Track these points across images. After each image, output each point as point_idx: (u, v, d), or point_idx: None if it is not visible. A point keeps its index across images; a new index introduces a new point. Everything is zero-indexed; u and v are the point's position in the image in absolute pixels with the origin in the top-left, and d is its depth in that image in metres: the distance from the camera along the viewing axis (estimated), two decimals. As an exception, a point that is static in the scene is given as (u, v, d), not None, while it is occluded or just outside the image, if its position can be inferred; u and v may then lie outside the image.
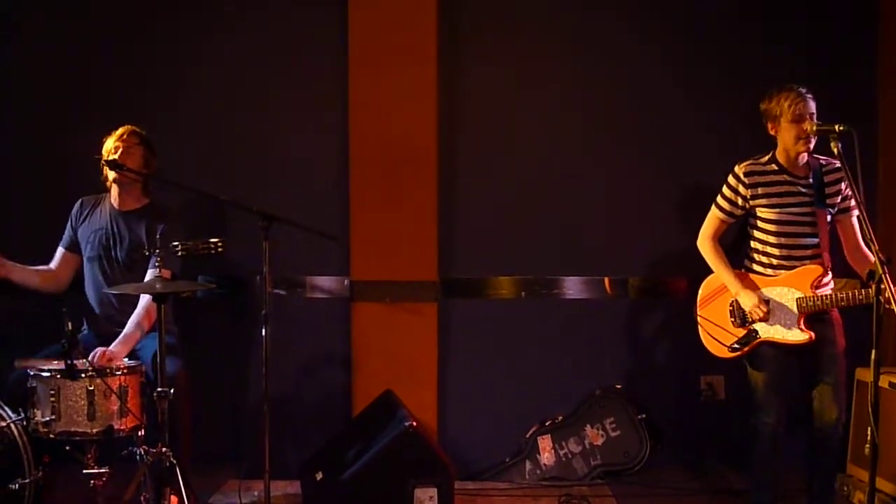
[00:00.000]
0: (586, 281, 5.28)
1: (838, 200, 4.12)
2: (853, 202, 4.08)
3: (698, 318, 4.38)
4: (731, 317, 4.26)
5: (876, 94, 5.27)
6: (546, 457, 5.18)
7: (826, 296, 4.01)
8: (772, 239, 4.16)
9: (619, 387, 5.24)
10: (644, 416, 5.17)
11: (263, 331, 4.23)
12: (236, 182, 5.08)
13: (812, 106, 4.05)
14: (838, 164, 3.89)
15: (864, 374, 4.65)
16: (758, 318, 4.11)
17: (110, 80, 5.20)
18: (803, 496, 4.31)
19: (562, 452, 5.18)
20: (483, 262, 5.29)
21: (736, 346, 4.20)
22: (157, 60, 5.23)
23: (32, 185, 5.20)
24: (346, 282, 5.18)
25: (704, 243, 4.34)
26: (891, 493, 4.48)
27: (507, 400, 5.27)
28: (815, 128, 3.95)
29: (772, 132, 4.15)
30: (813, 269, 4.07)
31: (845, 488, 4.72)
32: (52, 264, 4.67)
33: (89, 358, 3.98)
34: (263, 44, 5.23)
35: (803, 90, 4.06)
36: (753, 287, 4.18)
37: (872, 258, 3.91)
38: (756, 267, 4.24)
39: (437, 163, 5.14)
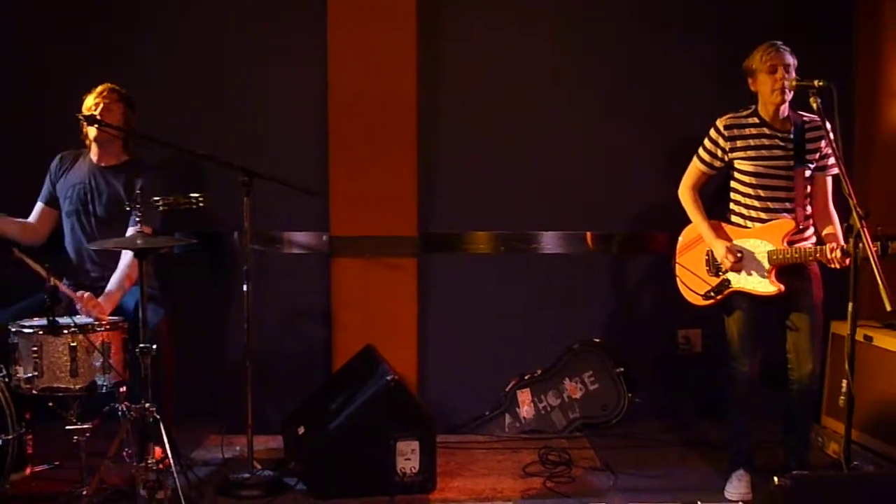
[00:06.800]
0: (563, 236, 5.31)
1: (817, 157, 4.16)
2: (831, 160, 4.11)
3: (676, 266, 4.45)
4: (706, 265, 4.33)
5: (854, 52, 5.29)
6: (525, 410, 5.23)
7: (796, 249, 4.05)
8: (749, 191, 4.19)
9: (597, 340, 5.29)
10: (622, 369, 5.22)
11: (245, 286, 4.24)
12: (216, 139, 5.03)
13: (787, 57, 4.07)
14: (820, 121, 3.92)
15: (839, 328, 4.73)
16: (727, 266, 4.17)
17: (91, 37, 5.12)
18: (780, 447, 4.39)
19: (541, 405, 5.23)
20: (462, 217, 5.30)
21: (710, 293, 4.26)
22: (138, 18, 5.16)
23: (13, 140, 5.13)
24: (325, 237, 5.18)
25: (685, 193, 4.40)
26: (863, 443, 4.57)
27: (487, 354, 5.31)
28: (794, 83, 3.98)
29: (752, 88, 4.18)
30: (785, 223, 4.11)
31: (820, 439, 4.80)
32: (31, 218, 4.64)
33: (77, 294, 3.97)
34: (243, 3, 5.18)
35: (778, 43, 4.11)
36: (727, 237, 4.24)
37: (836, 221, 4.08)
38: (734, 218, 4.28)
39: (416, 118, 5.12)
